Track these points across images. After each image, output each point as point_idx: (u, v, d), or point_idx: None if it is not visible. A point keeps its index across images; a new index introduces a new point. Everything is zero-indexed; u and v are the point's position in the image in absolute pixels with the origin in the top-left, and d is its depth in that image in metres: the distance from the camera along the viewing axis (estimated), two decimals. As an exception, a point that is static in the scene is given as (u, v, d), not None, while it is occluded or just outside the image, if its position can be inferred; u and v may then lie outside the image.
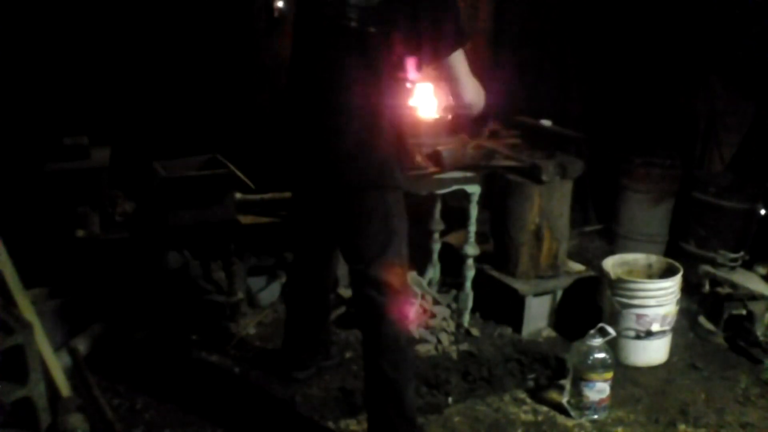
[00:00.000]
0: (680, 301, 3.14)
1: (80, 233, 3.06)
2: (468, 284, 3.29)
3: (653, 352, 3.09)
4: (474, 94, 2.25)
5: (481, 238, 3.34)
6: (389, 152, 2.26)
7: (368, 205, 2.26)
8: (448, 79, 2.24)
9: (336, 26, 2.16)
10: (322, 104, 2.26)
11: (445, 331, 3.23)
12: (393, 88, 2.22)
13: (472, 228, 3.22)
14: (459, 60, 2.19)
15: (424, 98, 3.14)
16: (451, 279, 3.52)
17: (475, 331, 3.28)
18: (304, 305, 2.78)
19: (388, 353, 2.33)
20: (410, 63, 2.20)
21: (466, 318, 3.32)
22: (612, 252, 3.88)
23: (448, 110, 3.03)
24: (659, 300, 3.02)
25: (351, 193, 2.28)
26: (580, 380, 2.68)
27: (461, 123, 3.07)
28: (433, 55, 2.18)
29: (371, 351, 2.38)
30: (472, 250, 3.24)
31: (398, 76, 2.21)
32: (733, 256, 3.37)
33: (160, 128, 3.95)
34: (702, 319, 3.39)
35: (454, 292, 3.41)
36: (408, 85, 2.27)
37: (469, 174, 3.09)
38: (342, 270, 3.10)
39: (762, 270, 3.43)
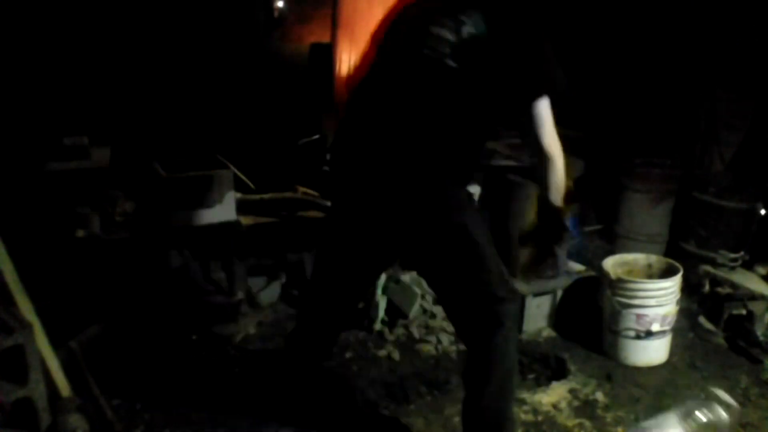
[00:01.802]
0: (680, 301, 3.14)
1: (80, 233, 3.06)
2: (468, 284, 3.28)
3: (653, 352, 3.09)
4: (555, 142, 2.08)
5: (481, 238, 3.34)
6: (452, 189, 2.15)
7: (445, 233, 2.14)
8: (527, 122, 2.08)
9: (427, 60, 2.07)
10: (403, 136, 2.11)
11: (445, 331, 3.23)
12: (478, 128, 2.13)
13: (472, 228, 3.21)
14: (545, 104, 2.06)
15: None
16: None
17: (475, 331, 3.28)
18: (325, 326, 2.63)
19: (499, 378, 2.21)
20: (497, 105, 2.10)
21: (466, 318, 3.31)
22: (612, 252, 3.88)
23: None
24: (659, 300, 3.02)
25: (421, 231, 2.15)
26: None
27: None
28: (521, 97, 2.06)
29: (481, 374, 2.24)
30: (472, 250, 3.23)
31: (484, 115, 2.12)
32: (733, 256, 3.38)
33: (160, 128, 3.95)
34: (702, 319, 3.39)
35: (454, 292, 3.41)
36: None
37: (469, 174, 3.09)
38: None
39: (762, 270, 3.43)
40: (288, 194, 3.54)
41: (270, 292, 3.51)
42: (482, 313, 2.18)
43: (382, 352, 3.12)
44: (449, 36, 2.06)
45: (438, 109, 2.08)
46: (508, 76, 2.05)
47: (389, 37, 2.28)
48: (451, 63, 2.05)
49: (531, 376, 3.03)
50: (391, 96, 2.16)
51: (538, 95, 2.05)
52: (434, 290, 2.45)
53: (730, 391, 2.91)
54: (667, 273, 3.19)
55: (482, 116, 2.13)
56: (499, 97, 2.08)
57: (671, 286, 3.05)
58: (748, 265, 3.47)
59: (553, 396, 2.84)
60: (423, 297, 3.30)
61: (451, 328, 3.25)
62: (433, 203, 2.10)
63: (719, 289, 3.34)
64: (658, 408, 2.79)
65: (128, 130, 3.88)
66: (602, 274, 3.19)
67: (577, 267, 3.53)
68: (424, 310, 3.27)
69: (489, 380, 2.20)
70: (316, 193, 3.55)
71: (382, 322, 3.28)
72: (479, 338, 2.22)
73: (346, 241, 2.34)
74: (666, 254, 3.83)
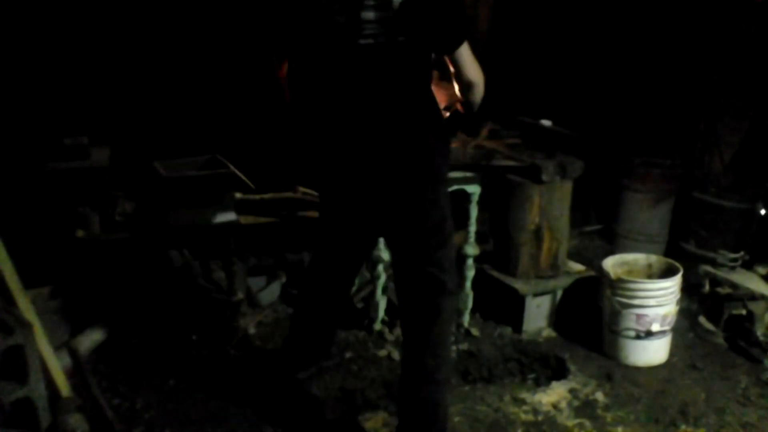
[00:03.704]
0: (680, 301, 3.14)
1: (80, 233, 3.06)
2: (468, 284, 3.29)
3: (653, 352, 3.09)
4: (477, 73, 2.35)
5: (481, 238, 3.34)
6: (439, 147, 2.30)
7: (426, 200, 2.28)
8: (454, 64, 2.34)
9: (360, 44, 2.16)
10: (368, 115, 2.24)
11: (445, 331, 3.23)
12: (427, 85, 2.28)
13: (472, 228, 3.22)
14: (465, 46, 2.30)
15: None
16: (451, 279, 3.52)
17: (475, 331, 3.28)
18: (320, 308, 2.70)
19: (435, 352, 2.33)
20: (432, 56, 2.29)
21: (466, 318, 3.32)
22: (612, 252, 3.88)
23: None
24: (659, 300, 3.02)
25: (408, 190, 2.27)
26: None
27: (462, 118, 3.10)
28: (447, 47, 2.29)
29: (418, 348, 2.37)
30: (472, 250, 3.24)
31: (427, 72, 2.28)
32: (733, 256, 3.37)
33: (160, 128, 3.95)
34: (702, 319, 3.39)
35: (454, 292, 3.41)
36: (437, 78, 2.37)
37: (469, 174, 3.09)
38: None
39: (762, 270, 3.42)
40: (288, 194, 3.53)
41: (270, 292, 3.51)
42: (425, 302, 2.32)
43: (382, 352, 3.12)
44: (373, 15, 2.16)
45: (388, 80, 2.21)
46: (431, 31, 2.21)
47: (303, 24, 2.30)
48: (383, 39, 2.16)
49: (531, 376, 3.03)
50: (344, 81, 2.25)
51: (460, 44, 2.27)
52: (392, 256, 2.51)
53: (730, 391, 2.92)
54: (667, 273, 3.20)
55: (420, 67, 2.26)
56: (427, 48, 2.25)
57: (671, 286, 3.05)
58: (748, 265, 3.46)
59: (553, 396, 2.84)
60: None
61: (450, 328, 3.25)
62: (416, 167, 2.24)
63: (719, 289, 3.33)
64: (658, 408, 2.79)
65: (128, 130, 3.88)
66: (602, 274, 3.19)
67: (577, 267, 3.53)
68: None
69: (430, 353, 2.32)
70: (316, 193, 3.54)
71: (382, 322, 3.28)
72: (418, 325, 2.36)
73: (335, 215, 2.50)
74: (666, 254, 3.83)
